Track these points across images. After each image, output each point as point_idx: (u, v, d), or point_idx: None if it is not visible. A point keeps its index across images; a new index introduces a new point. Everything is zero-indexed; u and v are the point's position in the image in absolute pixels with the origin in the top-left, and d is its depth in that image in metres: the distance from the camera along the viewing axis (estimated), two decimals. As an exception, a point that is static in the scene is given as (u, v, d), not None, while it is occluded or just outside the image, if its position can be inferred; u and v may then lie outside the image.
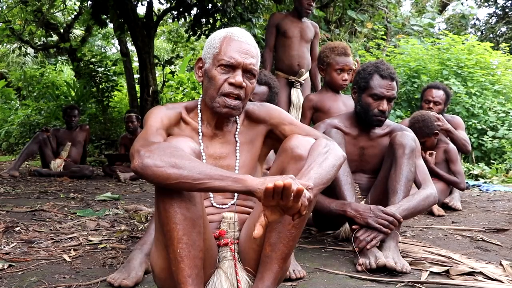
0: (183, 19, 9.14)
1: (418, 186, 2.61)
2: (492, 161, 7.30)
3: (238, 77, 1.70)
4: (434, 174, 4.19)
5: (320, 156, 1.58)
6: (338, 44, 3.68)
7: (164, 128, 1.69)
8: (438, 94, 4.44)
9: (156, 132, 1.63)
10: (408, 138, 2.59)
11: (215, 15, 8.46)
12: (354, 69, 3.63)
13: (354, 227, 2.39)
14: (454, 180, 4.20)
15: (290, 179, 1.34)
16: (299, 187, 1.31)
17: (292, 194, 1.31)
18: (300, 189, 1.30)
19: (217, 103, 1.72)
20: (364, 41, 10.05)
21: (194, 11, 8.71)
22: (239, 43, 1.72)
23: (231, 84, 1.70)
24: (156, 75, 9.99)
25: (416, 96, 7.95)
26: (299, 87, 5.03)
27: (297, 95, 5.02)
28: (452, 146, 4.27)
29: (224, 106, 1.71)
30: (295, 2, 5.08)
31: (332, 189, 2.55)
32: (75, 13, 13.16)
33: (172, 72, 11.12)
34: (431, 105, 4.43)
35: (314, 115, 3.74)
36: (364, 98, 2.70)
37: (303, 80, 5.06)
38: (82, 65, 11.55)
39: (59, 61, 15.61)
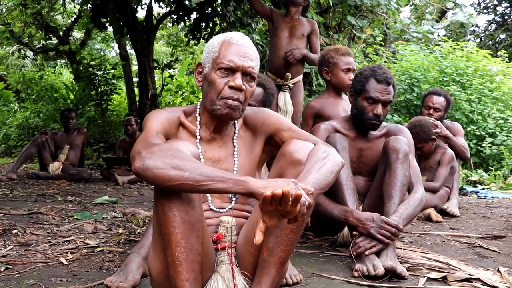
0: (182, 23, 9.15)
1: (409, 186, 2.62)
2: (490, 168, 7.31)
3: (237, 80, 1.70)
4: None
5: (319, 162, 1.58)
6: (340, 46, 3.71)
7: (164, 132, 1.70)
8: (439, 101, 4.44)
9: (156, 135, 1.63)
10: (402, 142, 2.59)
11: (215, 19, 8.48)
12: None
13: (354, 233, 2.39)
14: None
15: (292, 184, 1.35)
16: (297, 192, 1.31)
17: (291, 200, 1.31)
18: (299, 195, 1.31)
19: (218, 106, 1.72)
20: (363, 47, 10.08)
21: (193, 15, 8.73)
22: (238, 47, 1.73)
23: (231, 87, 1.71)
24: (155, 78, 10.00)
25: (415, 103, 7.97)
26: (287, 90, 4.98)
27: (284, 99, 4.96)
28: (449, 151, 4.26)
29: (225, 107, 1.71)
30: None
31: (334, 194, 2.56)
32: (75, 16, 13.17)
33: (171, 76, 11.14)
34: (431, 111, 4.43)
35: (314, 121, 3.72)
36: (359, 101, 2.73)
37: (292, 84, 5.02)
38: (81, 68, 11.55)
39: (58, 64, 15.62)
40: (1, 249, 2.52)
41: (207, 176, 1.41)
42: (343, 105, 3.63)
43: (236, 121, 1.86)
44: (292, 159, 1.62)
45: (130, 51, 12.61)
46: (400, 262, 2.31)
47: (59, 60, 15.48)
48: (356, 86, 2.75)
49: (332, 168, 1.59)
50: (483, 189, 6.25)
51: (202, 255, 1.54)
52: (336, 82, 3.62)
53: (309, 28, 5.13)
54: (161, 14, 10.28)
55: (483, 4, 17.74)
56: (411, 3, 13.09)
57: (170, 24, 12.67)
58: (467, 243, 2.98)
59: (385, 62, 9.63)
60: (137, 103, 9.95)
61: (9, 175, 6.06)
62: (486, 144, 7.36)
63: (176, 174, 1.40)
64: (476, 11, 17.70)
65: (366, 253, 2.26)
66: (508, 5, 16.73)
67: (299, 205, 1.35)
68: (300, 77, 5.12)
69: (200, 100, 1.85)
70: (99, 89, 11.32)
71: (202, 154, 1.77)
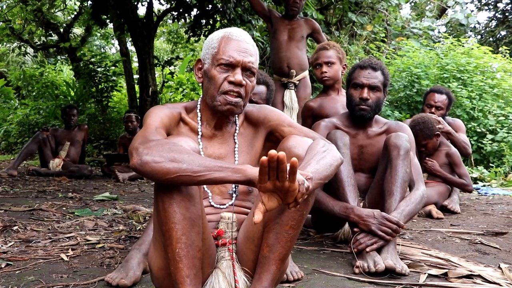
0: (183, 20, 9.15)
1: (411, 184, 2.62)
2: (491, 164, 7.30)
3: (237, 75, 1.70)
4: (440, 178, 4.21)
5: (318, 155, 1.57)
6: (323, 43, 3.74)
7: (164, 128, 1.69)
8: (441, 99, 4.41)
9: (156, 131, 1.63)
10: (403, 139, 2.58)
11: (215, 16, 8.48)
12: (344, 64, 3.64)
13: (355, 230, 2.38)
14: (461, 182, 4.21)
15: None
16: (293, 160, 1.27)
17: (288, 172, 1.29)
18: (294, 161, 1.27)
19: (218, 102, 1.73)
20: (364, 44, 10.06)
21: (194, 12, 8.72)
22: (238, 42, 1.74)
23: (230, 82, 1.71)
24: (156, 75, 9.98)
25: (416, 99, 7.96)
26: (293, 88, 5.04)
27: (290, 97, 5.02)
28: (454, 149, 4.26)
29: (226, 103, 1.72)
30: (284, 1, 5.16)
31: (335, 190, 2.55)
32: (75, 13, 13.16)
33: (171, 73, 11.13)
34: (433, 109, 4.40)
35: (313, 121, 3.73)
36: (349, 91, 2.79)
37: (297, 81, 5.06)
38: (81, 65, 11.54)
39: (58, 61, 15.61)
40: (2, 246, 2.52)
41: (205, 167, 1.41)
42: (342, 101, 3.62)
43: (237, 118, 1.87)
44: (291, 155, 1.61)
45: (131, 48, 12.61)
46: (401, 259, 2.31)
47: (59, 57, 15.46)
48: (347, 79, 2.82)
49: (332, 162, 1.59)
50: (484, 186, 6.25)
51: (203, 251, 1.54)
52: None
53: (308, 29, 5.15)
54: (161, 11, 10.26)
55: (484, 1, 17.71)
56: (411, 1, 13.07)
57: (170, 21, 12.69)
58: (468, 239, 2.98)
59: (386, 58, 9.62)
60: (138, 100, 9.95)
61: (9, 171, 6.07)
62: (487, 141, 7.35)
63: (174, 167, 1.40)
64: (476, 8, 17.68)
65: (367, 249, 2.26)
66: (508, 1, 16.71)
67: (298, 183, 1.33)
68: (306, 73, 5.14)
69: (201, 96, 1.85)
70: (100, 86, 11.30)
71: (203, 150, 1.78)
